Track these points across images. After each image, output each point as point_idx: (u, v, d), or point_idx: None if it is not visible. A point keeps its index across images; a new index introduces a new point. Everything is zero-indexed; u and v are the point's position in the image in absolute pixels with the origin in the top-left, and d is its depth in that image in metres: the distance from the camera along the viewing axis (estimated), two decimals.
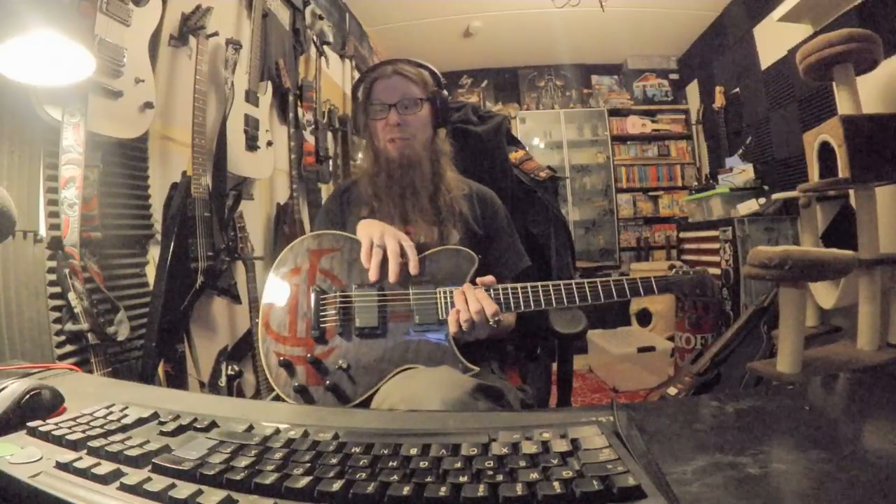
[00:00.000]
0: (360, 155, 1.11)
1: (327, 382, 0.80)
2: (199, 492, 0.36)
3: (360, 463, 0.38)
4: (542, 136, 4.69)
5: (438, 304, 0.84)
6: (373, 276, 0.85)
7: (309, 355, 0.82)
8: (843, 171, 1.74)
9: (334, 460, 0.39)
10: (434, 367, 0.80)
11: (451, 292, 0.84)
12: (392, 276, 0.84)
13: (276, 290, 0.89)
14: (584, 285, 0.84)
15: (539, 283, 0.84)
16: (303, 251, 0.92)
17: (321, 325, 0.85)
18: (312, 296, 0.86)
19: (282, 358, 0.83)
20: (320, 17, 2.68)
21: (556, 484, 0.34)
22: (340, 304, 0.86)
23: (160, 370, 1.44)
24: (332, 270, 0.89)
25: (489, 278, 0.87)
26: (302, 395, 0.80)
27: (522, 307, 0.84)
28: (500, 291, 0.85)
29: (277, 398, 0.83)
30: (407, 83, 1.03)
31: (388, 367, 0.81)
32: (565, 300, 0.83)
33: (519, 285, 0.85)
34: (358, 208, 1.06)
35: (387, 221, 0.98)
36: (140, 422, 0.49)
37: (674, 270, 0.90)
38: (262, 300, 0.90)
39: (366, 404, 0.79)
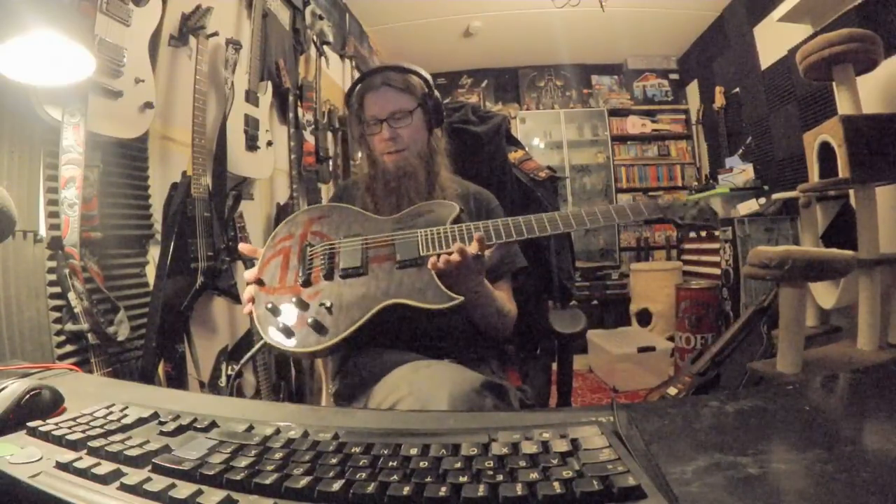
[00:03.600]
0: (359, 154, 1.13)
1: (310, 320, 0.81)
2: (199, 492, 0.36)
3: (360, 463, 0.38)
4: (542, 136, 4.69)
5: (419, 241, 0.87)
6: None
7: (295, 298, 0.84)
8: (843, 171, 1.74)
9: (334, 460, 0.39)
10: (440, 362, 0.81)
11: (433, 231, 0.87)
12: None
13: (270, 254, 0.94)
14: (569, 216, 0.86)
15: (532, 217, 0.87)
16: (296, 221, 0.98)
17: (307, 271, 0.88)
18: (303, 249, 0.92)
19: (270, 305, 0.85)
20: (320, 17, 2.68)
21: (556, 484, 0.34)
22: (327, 251, 0.90)
23: (160, 370, 1.44)
24: (321, 230, 0.95)
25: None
26: (285, 334, 0.81)
27: (508, 236, 0.86)
28: (491, 225, 0.87)
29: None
30: (396, 95, 1.03)
31: (371, 303, 0.82)
32: (549, 228, 0.85)
33: (508, 220, 0.88)
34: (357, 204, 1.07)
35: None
36: (140, 422, 0.49)
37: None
38: (257, 265, 0.94)
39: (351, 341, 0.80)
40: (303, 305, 0.83)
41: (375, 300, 0.82)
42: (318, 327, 0.80)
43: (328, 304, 0.82)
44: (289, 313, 0.83)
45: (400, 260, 0.85)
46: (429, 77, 1.07)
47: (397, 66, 1.06)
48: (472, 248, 0.82)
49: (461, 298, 0.79)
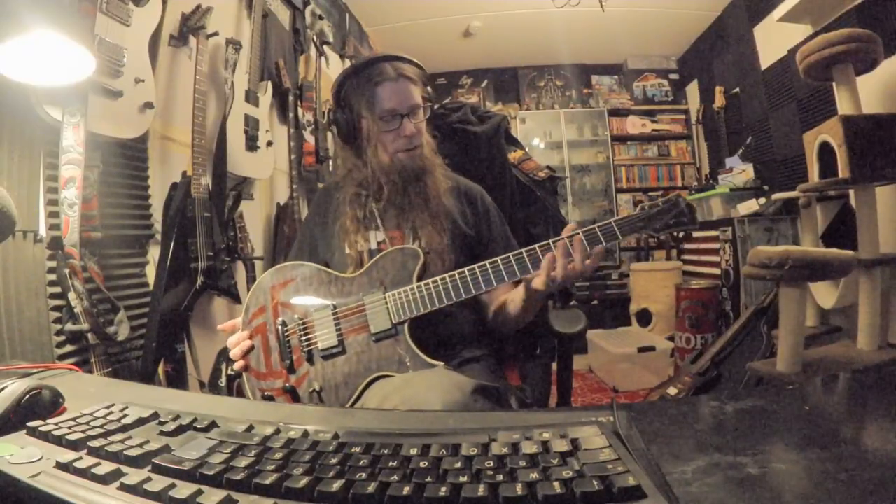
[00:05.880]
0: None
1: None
2: (199, 492, 0.36)
3: (360, 463, 0.38)
4: (542, 136, 4.69)
5: (388, 309, 0.85)
6: None
7: (286, 385, 0.86)
8: (843, 171, 1.74)
9: (334, 460, 0.39)
10: (432, 370, 0.81)
11: (400, 294, 0.85)
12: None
13: (248, 333, 0.93)
14: (548, 246, 0.81)
15: (512, 256, 0.83)
16: (264, 290, 0.95)
17: (290, 355, 0.88)
18: (278, 329, 0.90)
19: (264, 393, 0.87)
20: (320, 17, 2.68)
21: (556, 484, 0.34)
22: (301, 330, 0.89)
23: (160, 370, 1.44)
24: (290, 302, 0.92)
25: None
26: None
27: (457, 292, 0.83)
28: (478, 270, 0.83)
29: None
30: (413, 87, 0.97)
31: (357, 380, 0.83)
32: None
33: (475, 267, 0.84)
34: (344, 214, 1.03)
35: (386, 227, 0.99)
36: (140, 422, 0.49)
37: (640, 207, 0.82)
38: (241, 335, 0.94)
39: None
40: (294, 393, 0.86)
41: (360, 376, 0.83)
42: None
43: (318, 389, 0.84)
44: (284, 402, 0.86)
45: (375, 332, 0.85)
46: (426, 72, 1.03)
47: (407, 57, 1.00)
48: (591, 261, 0.80)
49: (441, 364, 0.81)
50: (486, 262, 0.83)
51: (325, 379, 0.85)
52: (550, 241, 0.82)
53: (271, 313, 0.92)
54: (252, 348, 0.91)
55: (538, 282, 0.80)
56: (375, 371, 0.83)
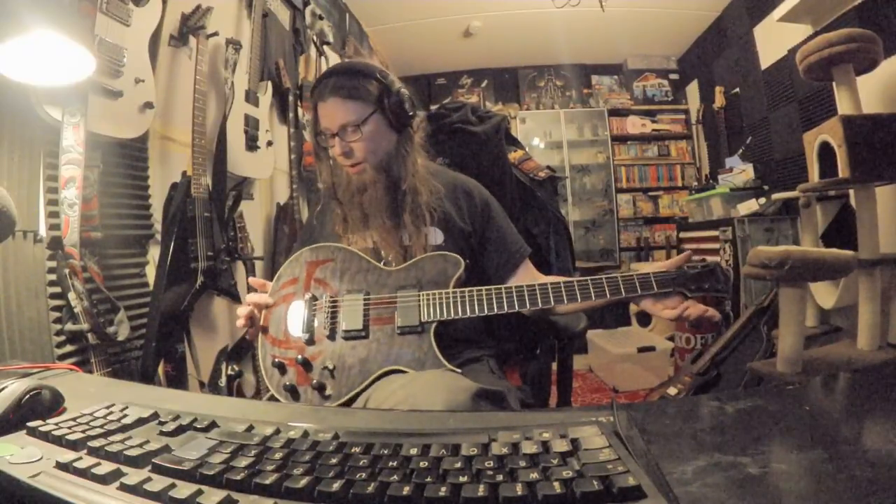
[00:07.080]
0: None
1: (314, 382, 0.83)
2: (199, 492, 0.36)
3: (360, 463, 0.38)
4: (542, 136, 4.69)
5: (420, 306, 0.86)
6: None
7: (299, 356, 0.86)
8: (843, 171, 1.74)
9: (334, 460, 0.39)
10: (433, 371, 0.81)
11: (434, 295, 0.86)
12: None
13: (275, 300, 0.94)
14: (579, 285, 0.84)
15: (549, 284, 0.85)
16: (301, 263, 0.96)
17: (311, 329, 0.88)
18: (307, 301, 0.90)
19: (276, 359, 0.87)
20: (320, 17, 2.68)
21: (556, 484, 0.34)
22: (329, 308, 0.89)
23: (160, 370, 1.44)
24: (325, 279, 0.93)
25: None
26: (291, 393, 0.84)
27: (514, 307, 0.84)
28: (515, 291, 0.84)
29: (273, 398, 0.87)
30: (345, 105, 0.94)
31: (372, 368, 0.83)
32: (565, 298, 0.83)
33: (523, 288, 0.85)
34: (331, 225, 1.06)
35: (359, 237, 1.00)
36: (140, 422, 0.49)
37: (677, 267, 0.87)
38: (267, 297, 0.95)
39: (352, 404, 0.81)
40: (307, 365, 0.85)
41: (376, 365, 0.83)
42: (321, 389, 0.83)
43: (330, 367, 0.84)
44: (294, 372, 0.86)
45: (401, 326, 0.85)
46: (385, 75, 0.97)
47: (345, 68, 0.98)
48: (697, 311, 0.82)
49: (459, 371, 0.81)
50: (549, 283, 0.84)
51: (341, 359, 0.85)
52: (605, 281, 0.83)
53: (303, 286, 0.93)
54: (252, 322, 0.92)
55: (669, 313, 0.83)
56: (392, 363, 0.83)
